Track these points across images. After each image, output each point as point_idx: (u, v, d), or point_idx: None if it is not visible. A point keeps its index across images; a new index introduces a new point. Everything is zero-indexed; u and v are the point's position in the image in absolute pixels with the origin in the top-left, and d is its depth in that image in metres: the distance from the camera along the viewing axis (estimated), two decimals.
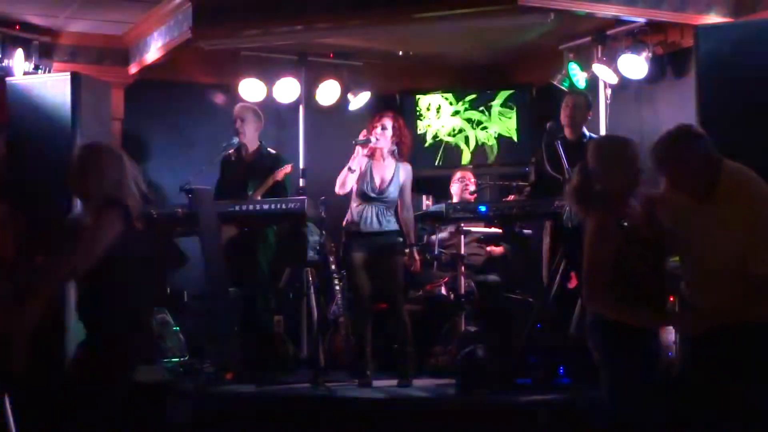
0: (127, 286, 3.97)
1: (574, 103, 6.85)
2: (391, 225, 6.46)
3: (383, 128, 6.45)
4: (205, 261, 6.61)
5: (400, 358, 6.46)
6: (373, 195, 6.42)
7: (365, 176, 6.45)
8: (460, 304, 6.91)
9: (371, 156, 6.50)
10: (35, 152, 6.52)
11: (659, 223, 3.89)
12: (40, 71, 7.45)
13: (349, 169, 6.41)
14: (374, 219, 6.42)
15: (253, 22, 6.85)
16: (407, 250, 6.49)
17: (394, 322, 6.54)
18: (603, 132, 7.31)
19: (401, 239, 6.49)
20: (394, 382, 6.37)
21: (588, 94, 7.18)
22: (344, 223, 6.55)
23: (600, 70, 7.37)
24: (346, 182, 6.42)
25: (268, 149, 7.17)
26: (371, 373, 6.43)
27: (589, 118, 6.93)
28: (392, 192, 6.45)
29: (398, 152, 6.52)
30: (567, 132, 6.75)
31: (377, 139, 6.43)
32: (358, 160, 6.43)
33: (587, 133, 6.80)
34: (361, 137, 6.46)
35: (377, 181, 6.45)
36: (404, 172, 6.50)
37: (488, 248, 7.48)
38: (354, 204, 6.50)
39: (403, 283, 6.58)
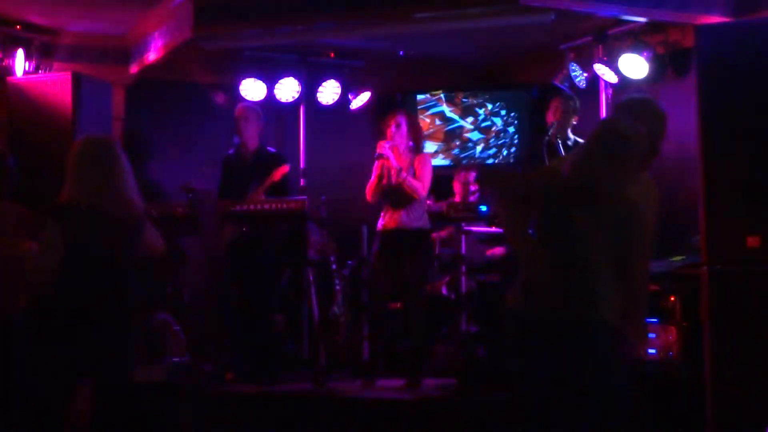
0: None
1: (564, 107, 6.89)
2: (415, 222, 6.47)
3: (398, 126, 6.52)
4: (205, 261, 6.61)
5: (413, 359, 6.47)
6: (391, 192, 6.46)
7: (386, 176, 6.50)
8: (461, 304, 6.91)
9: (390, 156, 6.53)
10: (35, 152, 6.52)
11: None
12: (40, 71, 7.45)
13: (378, 177, 6.47)
14: (398, 216, 6.45)
15: (254, 22, 6.85)
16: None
17: (409, 321, 6.54)
18: None
19: (424, 238, 6.54)
20: (393, 382, 6.38)
21: (575, 97, 7.17)
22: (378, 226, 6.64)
23: (601, 69, 7.36)
24: (377, 190, 6.48)
25: (268, 148, 7.17)
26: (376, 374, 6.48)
27: (574, 122, 6.96)
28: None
29: (414, 147, 6.57)
30: (553, 133, 6.78)
31: (393, 138, 6.49)
32: (382, 165, 6.49)
33: (572, 136, 6.86)
34: (378, 152, 6.49)
35: (395, 178, 6.49)
36: (419, 163, 6.52)
37: (488, 251, 7.49)
38: (383, 206, 6.58)
39: (422, 282, 6.60)
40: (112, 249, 4.37)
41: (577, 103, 7.06)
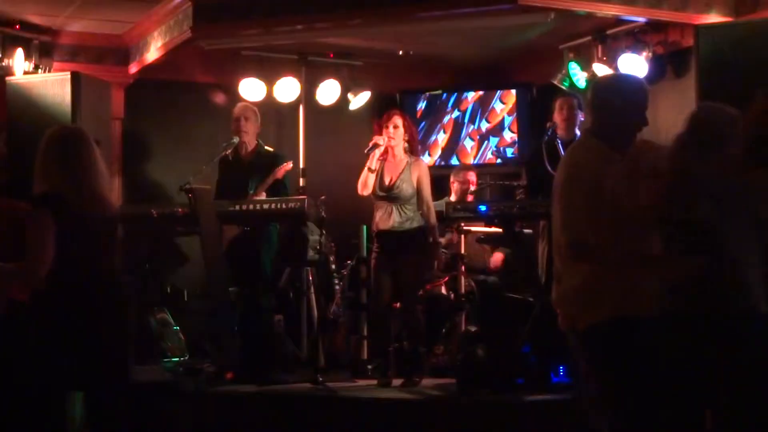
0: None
1: (570, 104, 6.86)
2: (409, 223, 6.47)
3: (395, 127, 6.52)
4: (205, 261, 6.61)
5: (412, 359, 6.47)
6: (383, 193, 6.47)
7: (377, 176, 6.52)
8: (460, 304, 6.91)
9: (384, 155, 6.54)
10: (35, 152, 6.50)
11: None
12: (40, 71, 7.45)
13: (369, 169, 6.48)
14: (390, 217, 6.46)
15: (254, 22, 6.86)
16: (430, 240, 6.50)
17: (406, 321, 6.54)
18: None
19: (420, 237, 6.50)
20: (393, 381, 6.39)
21: (580, 95, 7.16)
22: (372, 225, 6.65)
23: (600, 69, 7.36)
24: (368, 182, 6.50)
25: (266, 148, 7.17)
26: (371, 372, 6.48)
27: (582, 119, 6.94)
28: (405, 189, 6.46)
29: (409, 148, 6.58)
30: (561, 133, 6.76)
31: (390, 138, 6.49)
32: (375, 159, 6.50)
33: (579, 133, 6.84)
34: (371, 144, 6.49)
35: (386, 180, 6.51)
36: (417, 168, 6.53)
37: (491, 260, 7.52)
38: (375, 205, 6.58)
39: (418, 282, 6.61)
40: (99, 245, 4.12)
41: (581, 100, 7.04)
